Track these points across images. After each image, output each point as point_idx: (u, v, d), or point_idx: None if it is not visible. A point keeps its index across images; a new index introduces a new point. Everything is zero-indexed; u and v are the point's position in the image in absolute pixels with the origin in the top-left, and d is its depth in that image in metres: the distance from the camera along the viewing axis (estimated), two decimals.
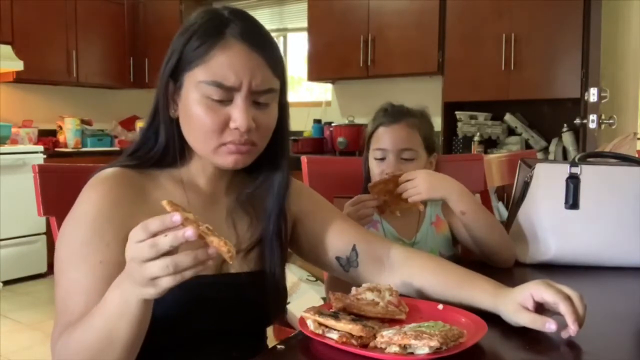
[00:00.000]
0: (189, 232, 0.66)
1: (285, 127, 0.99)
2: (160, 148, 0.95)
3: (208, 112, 0.88)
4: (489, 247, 1.27)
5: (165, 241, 0.66)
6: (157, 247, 0.66)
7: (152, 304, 0.76)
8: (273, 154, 0.99)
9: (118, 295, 0.74)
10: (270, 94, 0.92)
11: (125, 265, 0.74)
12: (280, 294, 1.02)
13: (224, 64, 0.88)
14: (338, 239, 1.05)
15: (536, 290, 0.84)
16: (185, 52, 0.90)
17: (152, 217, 0.68)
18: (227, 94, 0.88)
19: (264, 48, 0.91)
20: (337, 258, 1.04)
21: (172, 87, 0.93)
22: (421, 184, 1.26)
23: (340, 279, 1.08)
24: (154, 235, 0.67)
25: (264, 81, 0.90)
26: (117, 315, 0.74)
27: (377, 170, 1.44)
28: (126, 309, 0.73)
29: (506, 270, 1.26)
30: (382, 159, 1.43)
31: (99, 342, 0.76)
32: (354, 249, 1.03)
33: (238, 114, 0.88)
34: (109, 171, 0.92)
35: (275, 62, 0.92)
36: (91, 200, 0.88)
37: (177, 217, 0.66)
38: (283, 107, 0.98)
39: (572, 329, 0.79)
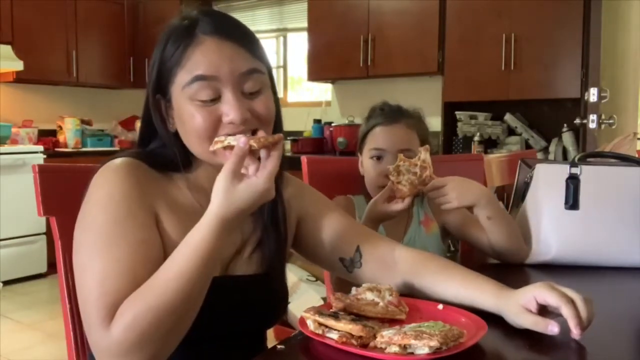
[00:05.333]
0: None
1: (278, 114, 0.98)
2: (169, 157, 0.94)
3: (199, 111, 0.87)
4: (505, 248, 1.28)
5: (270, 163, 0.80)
6: (270, 175, 0.80)
7: None
8: None
9: (218, 230, 0.79)
10: (255, 74, 0.90)
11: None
12: (282, 296, 1.02)
13: (199, 60, 0.87)
14: (341, 240, 1.04)
15: (539, 292, 0.83)
16: (163, 61, 0.90)
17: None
18: (213, 91, 0.87)
19: (236, 35, 0.90)
20: (341, 259, 1.04)
21: (164, 103, 0.93)
22: (451, 192, 1.23)
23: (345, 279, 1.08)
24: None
25: (244, 63, 0.89)
26: (218, 249, 0.81)
27: (374, 171, 1.43)
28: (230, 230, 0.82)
29: (507, 270, 1.26)
30: (379, 160, 1.43)
31: (200, 289, 0.81)
32: (357, 249, 1.03)
33: (228, 106, 0.86)
34: (123, 159, 0.91)
35: (251, 45, 0.91)
36: (114, 182, 0.87)
37: (243, 140, 0.80)
38: (274, 93, 0.96)
39: (574, 332, 0.79)
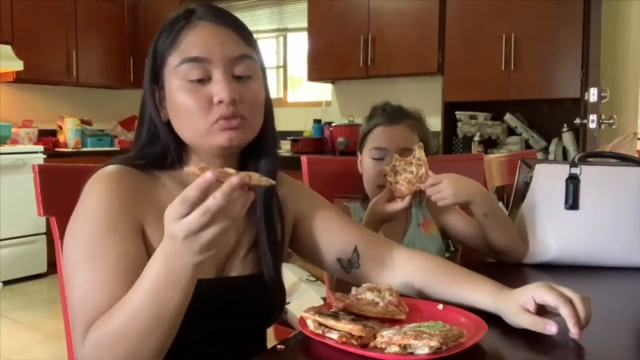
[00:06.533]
0: (235, 179, 0.64)
1: (269, 112, 0.98)
2: (158, 152, 0.95)
3: (190, 94, 0.89)
4: (502, 247, 1.28)
5: (216, 203, 0.64)
6: (210, 212, 0.64)
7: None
8: (260, 140, 0.97)
9: (165, 269, 0.71)
10: (246, 60, 0.91)
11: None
12: (279, 295, 1.01)
13: (192, 41, 0.89)
14: (339, 240, 1.04)
15: (537, 292, 0.84)
16: (157, 50, 0.92)
17: (185, 190, 0.65)
18: (203, 71, 0.88)
19: (231, 22, 0.92)
20: (339, 259, 1.04)
21: (158, 93, 0.94)
22: (447, 189, 1.24)
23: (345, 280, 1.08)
24: (195, 204, 0.65)
25: (237, 48, 0.90)
26: (169, 287, 0.72)
27: (374, 170, 1.43)
28: (180, 278, 0.71)
29: (507, 270, 1.26)
30: (380, 159, 1.42)
31: (147, 323, 0.73)
32: (355, 250, 1.03)
33: (218, 86, 0.88)
34: (112, 168, 0.92)
35: (245, 33, 0.93)
36: (100, 195, 0.87)
37: (209, 174, 0.64)
38: (266, 91, 0.97)
39: (572, 332, 0.79)
